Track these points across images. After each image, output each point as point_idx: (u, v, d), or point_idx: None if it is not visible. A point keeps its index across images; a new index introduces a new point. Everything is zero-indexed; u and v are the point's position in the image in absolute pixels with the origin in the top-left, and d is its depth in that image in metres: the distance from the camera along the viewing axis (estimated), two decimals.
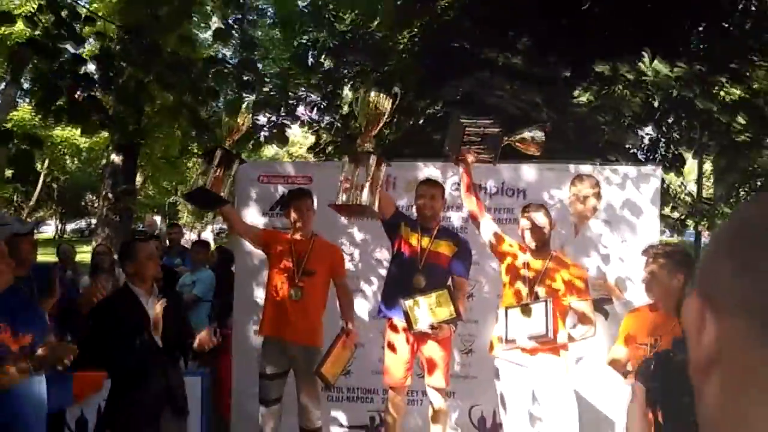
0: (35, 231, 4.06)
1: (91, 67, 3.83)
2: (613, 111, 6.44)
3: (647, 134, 8.15)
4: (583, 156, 5.50)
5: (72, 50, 3.55)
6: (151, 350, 3.54)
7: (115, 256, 5.98)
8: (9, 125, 12.60)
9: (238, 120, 3.89)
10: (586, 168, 5.15)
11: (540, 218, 3.95)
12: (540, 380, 3.90)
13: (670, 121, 7.54)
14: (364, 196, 3.50)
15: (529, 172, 5.13)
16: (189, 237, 16.74)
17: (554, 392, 3.86)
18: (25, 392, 2.82)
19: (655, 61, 6.14)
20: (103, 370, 3.91)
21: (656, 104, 6.63)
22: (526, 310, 3.85)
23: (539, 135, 4.16)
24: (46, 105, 3.56)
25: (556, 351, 3.90)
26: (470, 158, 4.16)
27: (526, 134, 4.17)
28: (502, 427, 4.87)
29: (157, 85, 3.72)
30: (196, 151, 15.01)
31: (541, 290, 3.90)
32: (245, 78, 4.05)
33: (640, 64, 6.19)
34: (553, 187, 5.08)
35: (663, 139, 8.04)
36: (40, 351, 2.82)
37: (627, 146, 7.09)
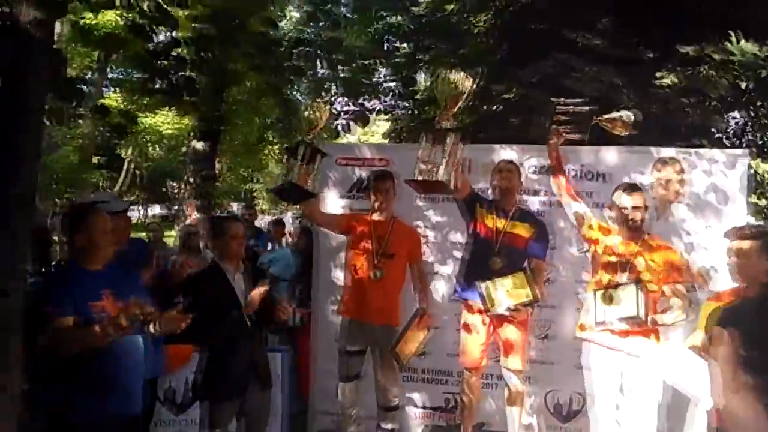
0: (129, 210, 4.28)
1: (183, 51, 3.97)
2: (698, 93, 6.21)
3: (735, 118, 7.82)
4: (667, 139, 5.34)
5: (166, 34, 3.73)
6: (240, 325, 3.67)
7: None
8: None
9: (318, 113, 3.96)
10: (669, 151, 5.00)
11: (636, 200, 3.87)
12: (630, 363, 3.82)
13: (759, 104, 7.20)
14: (441, 173, 3.52)
15: (610, 155, 5.02)
16: (264, 220, 17.18)
17: (643, 376, 3.79)
18: (125, 353, 2.99)
19: (743, 41, 5.88)
20: (194, 342, 4.10)
21: (744, 86, 6.35)
22: (617, 293, 3.78)
23: (628, 115, 4.07)
24: (144, 86, 3.75)
25: (647, 334, 3.82)
26: (559, 138, 4.12)
27: (615, 114, 4.08)
28: (579, 413, 4.85)
29: (245, 65, 3.84)
30: (272, 139, 15.36)
31: (632, 273, 3.82)
32: (331, 57, 4.12)
33: (728, 44, 5.94)
34: (635, 171, 4.95)
35: (751, 124, 7.69)
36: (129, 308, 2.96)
37: (713, 130, 6.83)
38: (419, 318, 4.33)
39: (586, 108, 4.02)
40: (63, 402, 2.92)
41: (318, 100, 4.08)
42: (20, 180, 2.97)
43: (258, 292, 3.67)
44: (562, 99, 4.07)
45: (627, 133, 4.14)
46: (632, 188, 3.98)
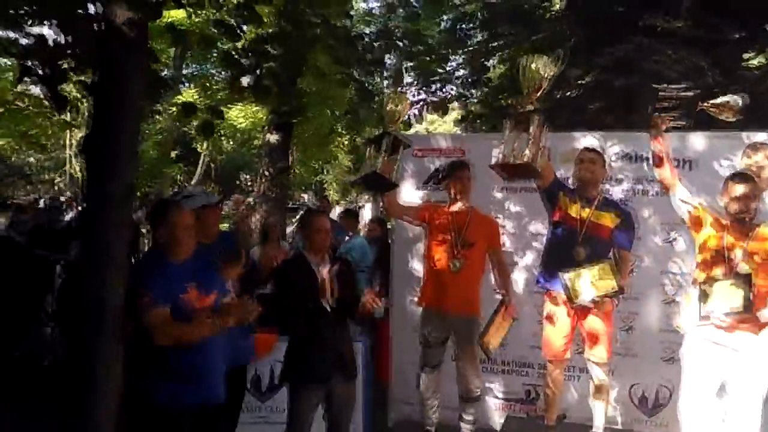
0: (221, 204, 4.41)
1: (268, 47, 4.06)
2: None
3: None
4: (756, 124, 5.11)
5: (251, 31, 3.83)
6: (323, 314, 3.73)
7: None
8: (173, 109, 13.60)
9: (401, 105, 3.99)
10: (760, 136, 4.78)
11: (746, 189, 3.68)
12: (734, 359, 3.67)
13: None
14: (527, 154, 3.49)
15: (697, 140, 4.84)
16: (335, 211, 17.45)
17: (748, 372, 3.63)
18: (211, 344, 3.08)
19: None
20: (280, 331, 4.21)
21: None
22: (723, 286, 3.62)
23: (737, 100, 3.88)
24: (233, 83, 3.86)
25: (754, 329, 3.66)
26: (662, 125, 3.95)
27: (723, 99, 3.90)
28: (664, 407, 4.73)
29: (325, 58, 3.90)
30: (342, 131, 15.51)
31: (742, 264, 3.67)
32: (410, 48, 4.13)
33: None
34: (724, 157, 4.76)
35: None
36: (228, 302, 3.08)
37: None
38: (504, 308, 4.30)
39: (691, 93, 3.86)
40: (150, 388, 3.02)
41: (399, 91, 4.08)
42: (121, 177, 3.12)
43: (325, 273, 3.72)
44: (666, 85, 3.93)
45: (734, 119, 3.95)
46: (743, 177, 3.80)
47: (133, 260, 4.85)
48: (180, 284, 3.05)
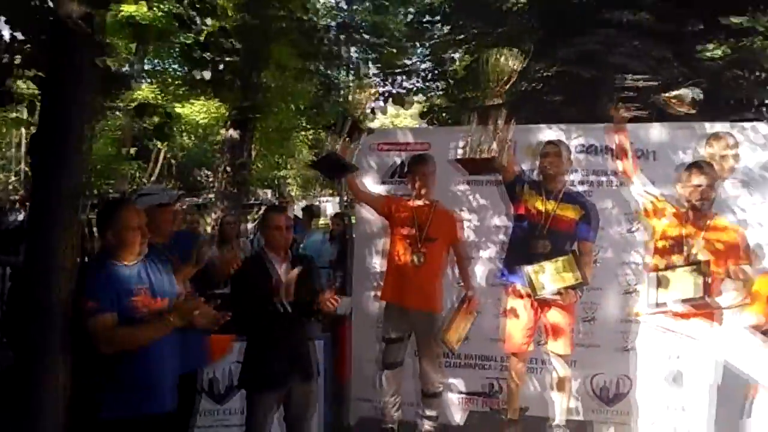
0: (179, 202, 4.26)
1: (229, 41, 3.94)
2: (750, 66, 5.97)
3: None
4: (717, 114, 5.16)
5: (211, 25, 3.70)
6: (280, 316, 3.62)
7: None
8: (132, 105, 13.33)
9: (366, 94, 3.91)
10: (721, 126, 4.82)
11: (703, 179, 3.74)
12: (688, 346, 3.71)
13: None
14: (493, 148, 3.44)
15: (659, 132, 4.85)
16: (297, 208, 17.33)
17: (701, 359, 3.67)
18: (161, 349, 2.95)
19: None
20: (236, 332, 4.08)
21: None
22: (678, 274, 3.66)
23: (696, 92, 3.91)
24: (193, 77, 3.72)
25: (709, 316, 3.69)
26: (625, 114, 3.99)
27: (683, 91, 3.92)
28: (624, 396, 4.75)
29: (284, 52, 3.79)
30: (305, 125, 15.36)
31: (696, 253, 3.70)
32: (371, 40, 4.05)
33: None
34: (686, 147, 4.79)
35: None
36: (175, 302, 2.95)
37: (766, 103, 6.58)
38: (466, 303, 4.25)
39: (654, 83, 3.88)
40: (97, 399, 2.89)
41: (365, 81, 4.02)
42: (69, 175, 2.97)
43: (290, 276, 3.62)
44: (626, 76, 3.93)
45: (692, 111, 3.97)
46: (702, 167, 3.84)
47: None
48: (129, 288, 2.91)
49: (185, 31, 3.60)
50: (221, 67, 3.61)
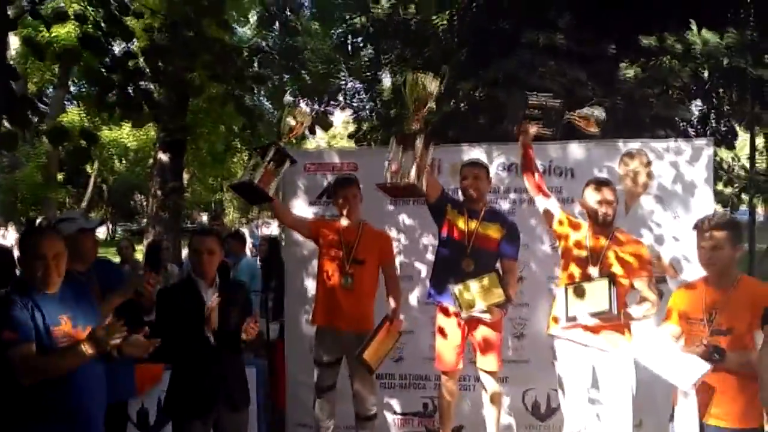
0: (98, 228, 4.15)
1: (139, 62, 3.88)
2: (661, 84, 6.27)
3: (697, 107, 7.92)
4: (632, 132, 5.37)
5: (121, 45, 3.65)
6: (205, 343, 3.57)
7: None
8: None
9: (297, 118, 3.87)
10: (635, 144, 5.03)
11: (606, 194, 3.87)
12: (602, 358, 3.82)
13: (720, 92, 7.30)
14: (412, 175, 3.48)
15: (576, 150, 5.03)
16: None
17: (616, 370, 3.79)
18: (86, 380, 2.88)
19: (704, 31, 5.95)
20: (163, 360, 3.99)
21: (706, 75, 6.43)
22: (587, 288, 3.75)
23: (600, 112, 4.06)
24: (100, 100, 3.63)
25: (619, 329, 3.81)
26: (531, 131, 4.09)
27: (587, 111, 4.07)
28: (557, 410, 4.84)
29: (205, 74, 3.76)
30: (240, 146, 15.22)
31: (603, 267, 3.82)
32: (290, 64, 4.06)
33: (688, 34, 6.00)
34: (602, 165, 4.97)
35: (714, 112, 7.79)
36: (96, 332, 2.87)
37: (677, 120, 6.89)
38: (387, 324, 4.25)
39: (558, 102, 3.99)
40: (20, 430, 2.80)
41: (298, 104, 4.00)
42: None
43: (211, 306, 3.57)
44: (535, 93, 4.05)
45: (597, 131, 4.13)
46: (602, 183, 3.98)
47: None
48: (50, 317, 2.83)
49: (95, 54, 3.52)
50: (131, 89, 3.54)
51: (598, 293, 3.70)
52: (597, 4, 6.88)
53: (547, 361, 4.81)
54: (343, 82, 8.73)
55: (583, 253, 3.90)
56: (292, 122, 3.86)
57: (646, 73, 6.25)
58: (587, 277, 3.83)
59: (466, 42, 7.64)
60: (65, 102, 17.24)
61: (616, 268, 3.81)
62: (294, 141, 7.47)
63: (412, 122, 3.66)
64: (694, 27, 5.98)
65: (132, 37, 3.66)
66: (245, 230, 16.30)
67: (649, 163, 4.93)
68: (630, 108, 6.33)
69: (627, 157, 4.97)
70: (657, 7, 6.79)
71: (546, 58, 6.40)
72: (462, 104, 7.70)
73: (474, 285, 3.98)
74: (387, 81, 8.52)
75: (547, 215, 4.14)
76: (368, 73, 8.43)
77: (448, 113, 7.43)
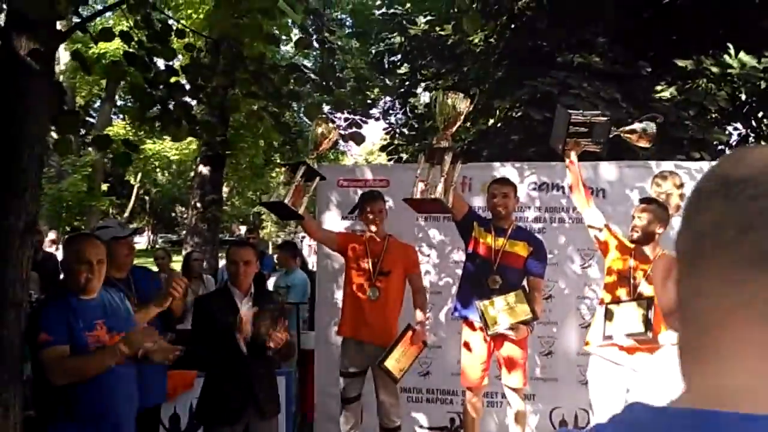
0: (134, 236, 4.30)
1: (182, 79, 4.05)
2: (697, 106, 6.22)
3: (736, 130, 7.82)
4: (667, 153, 5.36)
5: (164, 63, 3.81)
6: (237, 351, 3.67)
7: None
8: None
9: (326, 132, 3.94)
10: (668, 165, 5.01)
11: (648, 215, 3.83)
12: (634, 378, 3.80)
13: (759, 115, 7.22)
14: (438, 191, 3.53)
15: (608, 170, 5.03)
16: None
17: (646, 391, 3.75)
18: (117, 383, 2.99)
19: (741, 53, 5.91)
20: (196, 367, 4.10)
21: (743, 98, 6.37)
22: (626, 308, 3.75)
23: (651, 127, 4.00)
24: (141, 114, 3.80)
25: (652, 351, 3.77)
26: (576, 149, 4.05)
27: (637, 126, 4.01)
28: (585, 429, 4.81)
29: (241, 92, 3.90)
30: (278, 161, 15.47)
31: (644, 289, 3.80)
32: (324, 83, 4.18)
33: (725, 57, 5.97)
34: (634, 186, 4.97)
35: (752, 135, 7.69)
36: (131, 334, 2.99)
37: (714, 143, 6.83)
38: (410, 333, 4.29)
39: (605, 119, 3.94)
40: (50, 430, 2.92)
41: (326, 119, 4.06)
42: (21, 212, 3.01)
43: (245, 317, 3.66)
44: (580, 111, 4.03)
45: (648, 145, 4.08)
46: (646, 202, 3.97)
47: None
48: (87, 322, 2.96)
49: (140, 71, 3.69)
50: (171, 104, 3.69)
51: (636, 314, 3.69)
52: (634, 25, 6.89)
53: (576, 380, 4.84)
54: (379, 99, 8.85)
55: (626, 272, 3.88)
56: (320, 133, 3.91)
57: (682, 95, 6.22)
58: (626, 298, 3.81)
59: (503, 61, 7.70)
60: (111, 116, 17.79)
61: (651, 290, 3.76)
62: (330, 156, 7.59)
63: (441, 139, 3.72)
64: (731, 50, 5.94)
65: (174, 56, 3.81)
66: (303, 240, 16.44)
67: (681, 185, 4.90)
68: (665, 129, 6.30)
69: (659, 178, 4.95)
70: (694, 29, 6.77)
71: (581, 78, 6.43)
72: (497, 123, 7.75)
73: (500, 302, 4.01)
74: (423, 96, 8.61)
75: (600, 230, 4.06)
76: (403, 89, 8.54)
77: (483, 132, 7.48)
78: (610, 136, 4.02)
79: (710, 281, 0.56)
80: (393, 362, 4.18)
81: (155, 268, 8.10)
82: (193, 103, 4.46)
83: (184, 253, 10.92)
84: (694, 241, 0.59)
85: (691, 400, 0.54)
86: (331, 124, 4.06)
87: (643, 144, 4.09)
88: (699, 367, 0.56)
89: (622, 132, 4.06)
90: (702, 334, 0.57)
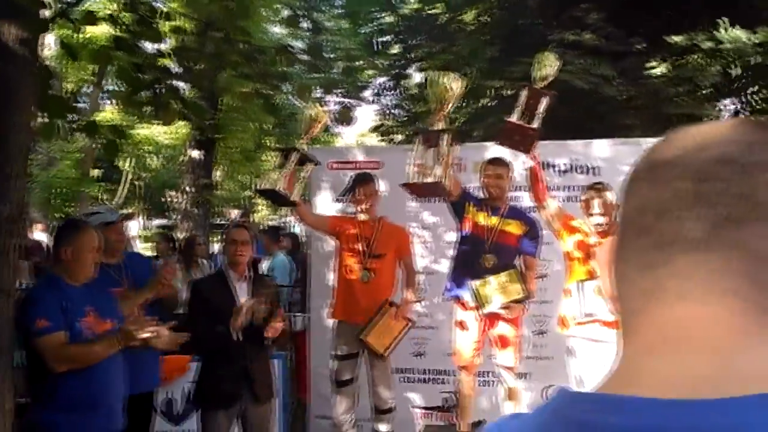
0: (125, 222, 4.27)
1: (169, 62, 4.00)
2: (689, 83, 6.19)
3: (726, 106, 7.80)
4: (659, 130, 5.33)
5: (152, 46, 3.75)
6: (232, 336, 3.66)
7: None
8: None
9: (317, 115, 3.90)
10: None
11: (609, 196, 3.86)
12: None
13: (750, 91, 7.19)
14: (437, 174, 3.51)
15: (601, 148, 5.03)
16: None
17: None
18: (108, 371, 2.99)
19: (732, 29, 5.87)
20: (191, 352, 4.10)
21: (735, 74, 6.34)
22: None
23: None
24: (130, 98, 3.76)
25: None
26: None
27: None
28: None
29: (232, 74, 3.85)
30: (270, 145, 15.38)
31: None
32: (316, 62, 4.12)
33: (717, 32, 5.93)
34: (627, 163, 4.92)
35: (744, 111, 7.68)
36: (127, 326, 2.99)
37: (705, 119, 6.81)
38: (393, 309, 4.29)
39: (532, 128, 3.85)
40: (45, 420, 2.91)
41: (315, 102, 4.02)
42: (7, 199, 2.98)
43: (245, 306, 3.64)
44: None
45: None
46: (599, 187, 4.00)
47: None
48: (79, 308, 2.95)
49: (127, 54, 3.64)
50: (160, 88, 3.65)
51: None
52: (627, 1, 6.83)
53: (568, 358, 4.85)
54: (371, 81, 8.79)
55: (594, 249, 3.89)
56: (310, 116, 3.87)
57: (674, 71, 6.18)
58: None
59: (495, 40, 7.63)
60: (100, 100, 17.58)
61: None
62: (322, 139, 7.55)
63: (435, 120, 3.69)
64: (723, 25, 5.90)
65: (160, 39, 3.76)
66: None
67: None
68: (657, 106, 6.28)
69: None
70: (687, 5, 6.72)
71: (574, 55, 6.38)
72: (489, 102, 7.71)
73: (493, 281, 4.01)
74: (415, 77, 8.54)
75: (561, 213, 4.12)
76: (394, 71, 8.47)
77: (475, 111, 7.44)
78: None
79: (631, 266, 0.57)
80: (374, 337, 4.18)
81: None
82: (184, 86, 4.41)
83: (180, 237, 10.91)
84: (622, 226, 0.59)
85: (608, 385, 0.53)
86: (321, 108, 4.03)
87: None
88: (624, 351, 0.57)
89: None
90: (627, 318, 0.58)
